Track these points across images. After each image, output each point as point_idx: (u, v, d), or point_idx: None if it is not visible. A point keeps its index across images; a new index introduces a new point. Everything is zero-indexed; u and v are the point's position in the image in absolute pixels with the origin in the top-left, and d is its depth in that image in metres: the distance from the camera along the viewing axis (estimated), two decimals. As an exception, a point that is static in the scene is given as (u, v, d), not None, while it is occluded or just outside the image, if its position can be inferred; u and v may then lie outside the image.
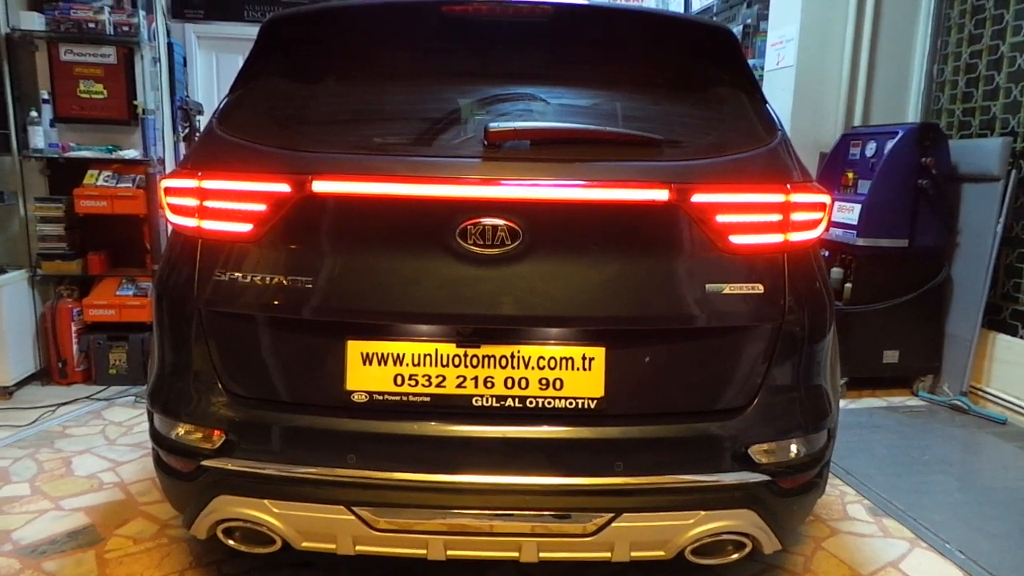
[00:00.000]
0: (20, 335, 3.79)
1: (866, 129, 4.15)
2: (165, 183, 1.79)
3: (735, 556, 1.78)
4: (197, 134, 4.68)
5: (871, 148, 3.90)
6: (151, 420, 1.89)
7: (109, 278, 3.98)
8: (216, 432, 1.71)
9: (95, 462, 3.00)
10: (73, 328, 3.91)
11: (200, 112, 4.75)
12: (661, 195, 1.61)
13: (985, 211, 3.71)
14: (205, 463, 1.71)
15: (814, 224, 1.75)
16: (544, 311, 1.63)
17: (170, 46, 4.12)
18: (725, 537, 1.73)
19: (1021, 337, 3.71)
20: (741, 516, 1.69)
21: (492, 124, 1.62)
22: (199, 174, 1.71)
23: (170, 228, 1.89)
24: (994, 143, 3.66)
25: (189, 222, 1.73)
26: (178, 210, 1.76)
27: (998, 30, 3.89)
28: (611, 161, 1.65)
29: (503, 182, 1.58)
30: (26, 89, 3.83)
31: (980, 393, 3.83)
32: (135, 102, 3.87)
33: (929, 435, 3.48)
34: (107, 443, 3.21)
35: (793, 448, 1.75)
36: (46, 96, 3.80)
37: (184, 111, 4.37)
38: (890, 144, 3.75)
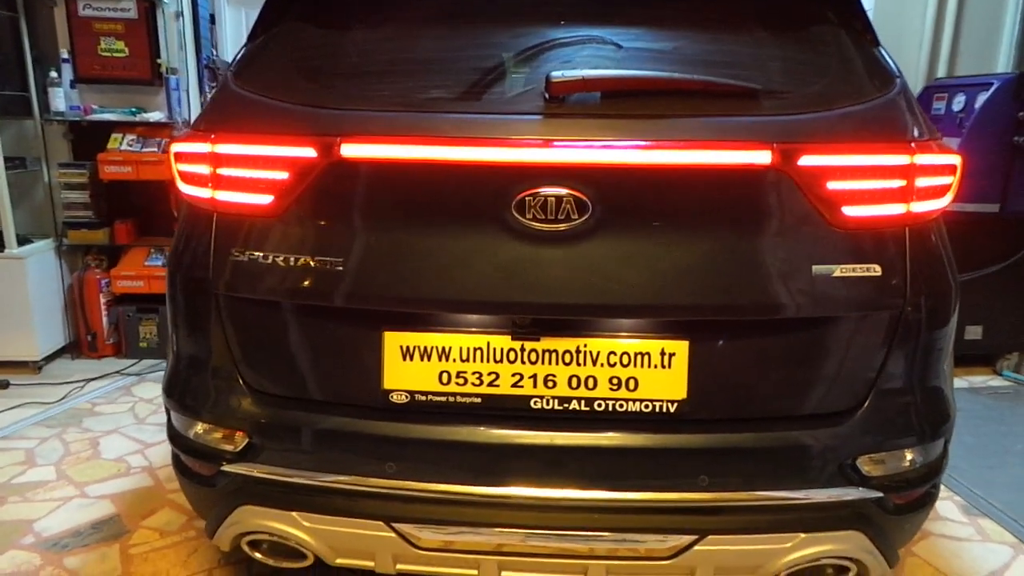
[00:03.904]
0: (48, 307, 3.66)
1: (953, 81, 3.74)
2: (175, 148, 1.56)
3: (837, 583, 1.54)
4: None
5: (959, 102, 3.50)
6: (168, 416, 1.70)
7: (137, 247, 3.82)
8: (237, 433, 1.51)
9: (123, 443, 2.86)
10: (102, 300, 3.77)
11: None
12: (762, 157, 1.32)
13: (1090, 172, 3.31)
14: (226, 468, 1.51)
15: (942, 191, 1.44)
16: (616, 298, 1.37)
17: (194, 0, 3.87)
18: (826, 561, 1.48)
19: (1126, 312, 3.34)
20: (847, 539, 1.44)
21: (555, 73, 1.33)
22: (212, 137, 1.47)
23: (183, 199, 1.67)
24: (1105, 94, 3.24)
25: (202, 192, 1.50)
26: (190, 178, 1.53)
27: (1112, -36, 3.42)
28: (699, 117, 1.37)
29: (569, 144, 1.31)
30: (45, 49, 3.63)
31: (1075, 374, 3.48)
32: (158, 60, 3.64)
33: (1020, 420, 3.16)
34: (136, 422, 3.07)
35: (908, 458, 1.49)
36: (66, 55, 3.60)
37: (211, 70, 4.14)
38: (982, 97, 3.36)
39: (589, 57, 1.46)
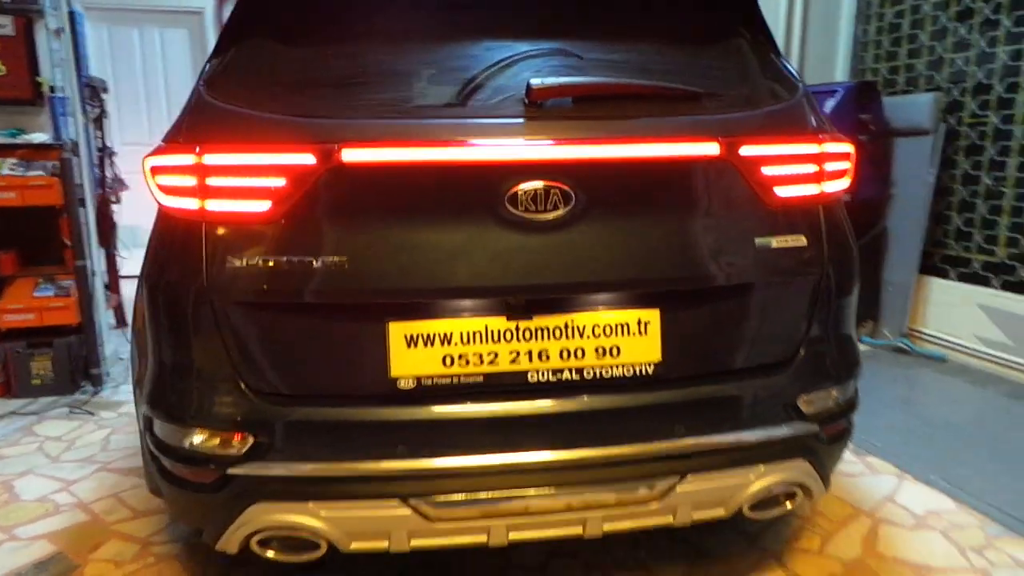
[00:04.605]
0: (-79, 350, 3.33)
1: (803, 88, 4.29)
2: (151, 161, 1.58)
3: (788, 506, 1.80)
4: (105, 116, 4.24)
5: (810, 106, 4.02)
6: (150, 429, 1.69)
7: (23, 278, 3.55)
8: (240, 436, 1.54)
9: (42, 483, 2.68)
10: (-16, 337, 3.47)
11: (105, 90, 4.31)
12: (711, 149, 1.57)
13: (917, 163, 3.93)
14: (232, 471, 1.54)
15: (843, 174, 1.76)
16: (599, 276, 1.56)
17: (71, 15, 3.67)
18: (778, 490, 1.74)
19: (951, 279, 3.98)
20: (797, 467, 1.71)
21: (535, 81, 1.51)
22: (197, 149, 1.51)
23: (157, 211, 1.67)
24: (925, 98, 3.87)
25: (189, 204, 1.53)
26: (172, 191, 1.56)
27: (918, -10, 4.10)
28: (657, 117, 1.59)
29: (557, 142, 1.49)
30: (-96, 68, 3.33)
31: (918, 334, 4.09)
32: (39, 79, 3.44)
33: (882, 377, 3.68)
34: (49, 461, 2.88)
35: (833, 396, 1.78)
36: (-70, 75, 3.32)
37: (91, 88, 3.93)
38: (830, 103, 3.89)
39: (557, 67, 1.64)
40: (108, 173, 4.19)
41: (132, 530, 2.33)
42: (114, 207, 4.31)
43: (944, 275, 4.02)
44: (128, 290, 4.54)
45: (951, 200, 3.97)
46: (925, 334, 4.06)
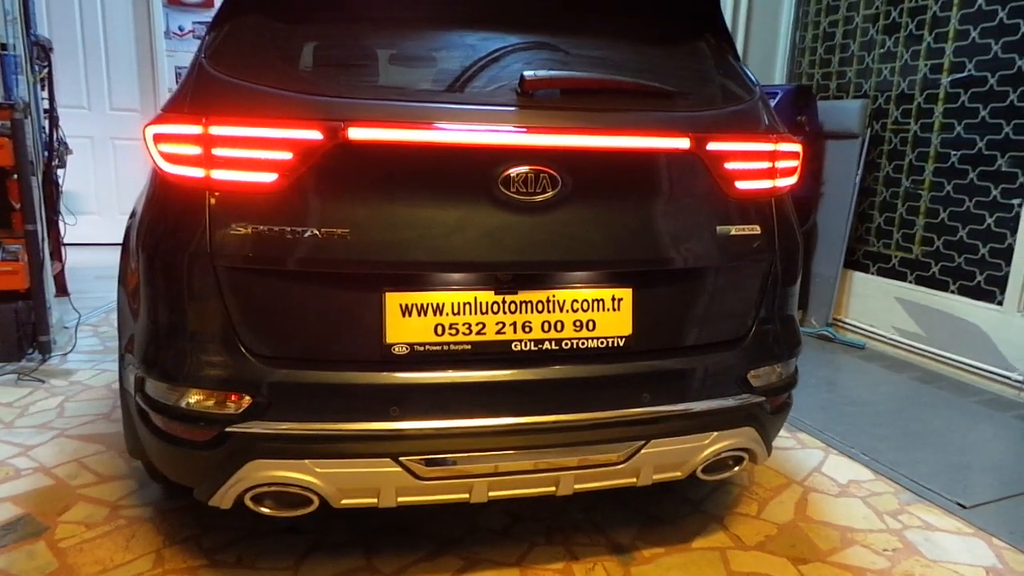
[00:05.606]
0: None
1: (747, 89, 4.55)
2: (154, 129, 1.64)
3: (736, 469, 2.00)
4: (52, 77, 4.11)
5: (753, 107, 4.27)
6: (141, 388, 1.74)
7: (-34, 242, 3.44)
8: (239, 396, 1.62)
9: (-2, 449, 2.66)
10: (-77, 302, 3.35)
11: (52, 50, 4.16)
12: (683, 143, 1.73)
13: (845, 165, 4.24)
14: (231, 429, 1.62)
15: (793, 171, 1.96)
16: (580, 256, 1.70)
17: (20, -29, 3.55)
18: (728, 454, 1.93)
19: (872, 274, 4.33)
20: (745, 434, 1.91)
21: (527, 72, 1.64)
22: (203, 119, 1.57)
23: (154, 178, 1.72)
24: (854, 104, 4.17)
25: (193, 172, 1.59)
26: (175, 159, 1.62)
27: (852, 3, 4.39)
28: (635, 111, 1.74)
29: (548, 131, 1.62)
30: None
31: (841, 324, 4.44)
32: (-13, 36, 3.32)
33: (809, 362, 3.98)
34: (3, 426, 2.84)
35: (777, 372, 1.99)
36: None
37: (40, 48, 3.81)
38: (770, 104, 4.15)
39: (544, 60, 1.77)
40: (54, 136, 4.07)
41: (100, 494, 2.35)
42: (58, 171, 4.18)
43: (866, 269, 4.37)
44: (74, 257, 4.44)
45: (874, 200, 4.31)
46: (847, 323, 4.41)
